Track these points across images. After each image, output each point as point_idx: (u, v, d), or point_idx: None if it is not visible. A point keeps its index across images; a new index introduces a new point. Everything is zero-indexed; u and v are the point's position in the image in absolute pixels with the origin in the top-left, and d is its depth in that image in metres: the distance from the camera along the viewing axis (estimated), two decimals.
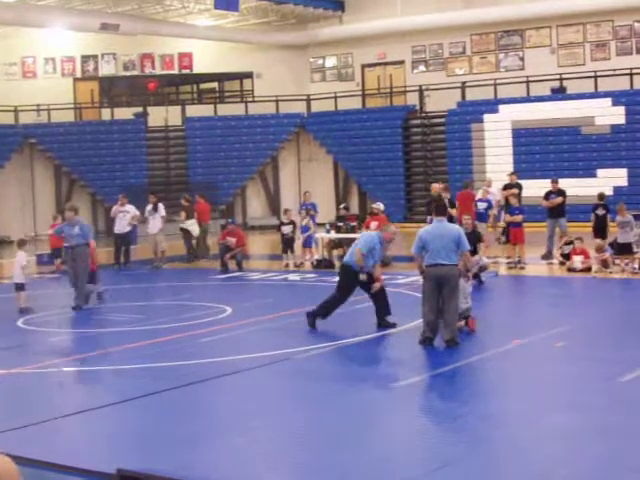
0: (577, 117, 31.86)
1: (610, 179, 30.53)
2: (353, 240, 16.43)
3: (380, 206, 23.31)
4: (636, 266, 19.45)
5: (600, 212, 21.16)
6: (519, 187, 25.45)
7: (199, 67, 39.91)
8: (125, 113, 38.62)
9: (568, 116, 31.97)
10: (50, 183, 36.80)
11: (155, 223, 24.56)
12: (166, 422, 9.22)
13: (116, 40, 37.00)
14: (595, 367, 10.98)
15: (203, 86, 43.56)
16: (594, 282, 18.72)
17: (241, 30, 38.84)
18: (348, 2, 38.56)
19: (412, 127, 36.59)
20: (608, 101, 31.69)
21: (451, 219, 16.66)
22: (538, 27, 35.03)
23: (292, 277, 21.22)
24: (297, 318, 14.83)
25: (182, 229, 25.60)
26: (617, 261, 19.76)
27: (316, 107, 38.47)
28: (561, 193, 22.48)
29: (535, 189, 26.88)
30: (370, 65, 38.75)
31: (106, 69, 39.29)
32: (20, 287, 17.11)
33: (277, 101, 38.32)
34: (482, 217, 23.15)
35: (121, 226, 24.44)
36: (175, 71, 40.14)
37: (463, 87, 35.32)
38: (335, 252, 23.15)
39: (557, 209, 22.25)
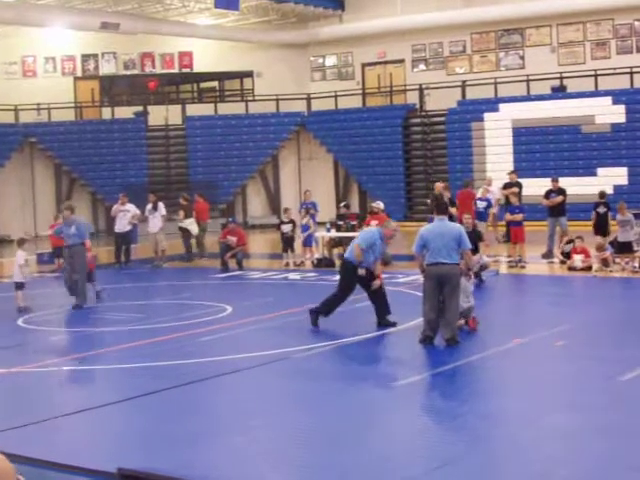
0: (577, 116, 31.85)
1: (610, 178, 30.50)
2: (353, 239, 16.42)
3: (380, 205, 23.30)
4: (636, 265, 19.44)
5: (601, 210, 21.18)
6: (519, 186, 25.46)
7: (199, 66, 39.90)
8: (125, 112, 38.62)
9: (568, 115, 31.97)
10: (50, 182, 36.80)
11: (155, 222, 24.57)
12: (166, 421, 9.21)
13: (116, 39, 36.99)
14: (595, 366, 10.97)
15: (203, 85, 43.54)
16: (594, 281, 18.72)
17: (241, 29, 38.84)
18: (348, 1, 38.54)
19: (412, 126, 36.59)
20: (608, 100, 31.69)
21: (451, 218, 16.65)
22: (538, 26, 35.01)
23: (292, 276, 21.22)
24: (297, 317, 14.83)
25: (181, 228, 25.61)
26: (617, 260, 19.76)
27: (316, 106, 38.47)
28: (561, 192, 22.47)
29: (535, 188, 26.88)
30: (370, 64, 38.74)
31: (106, 68, 39.28)
32: (19, 286, 17.11)
33: (277, 100, 38.32)
34: (482, 216, 23.13)
35: (121, 225, 24.44)
36: (175, 70, 40.13)
37: (463, 86, 35.31)
38: (335, 251, 23.14)
39: (557, 208, 22.24)
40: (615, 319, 14.48)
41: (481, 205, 23.64)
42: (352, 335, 13.32)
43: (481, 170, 32.80)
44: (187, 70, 40.18)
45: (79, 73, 39.04)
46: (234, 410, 9.69)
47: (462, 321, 13.03)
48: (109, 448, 8.54)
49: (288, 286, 19.98)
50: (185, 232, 25.50)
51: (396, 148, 36.04)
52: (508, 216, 21.90)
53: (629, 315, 14.76)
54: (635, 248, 19.88)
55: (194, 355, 12.28)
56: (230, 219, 25.30)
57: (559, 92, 33.14)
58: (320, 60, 39.99)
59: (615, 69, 32.20)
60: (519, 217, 21.29)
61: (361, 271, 13.85)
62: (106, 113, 38.84)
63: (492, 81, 34.35)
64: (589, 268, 19.62)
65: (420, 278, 13.36)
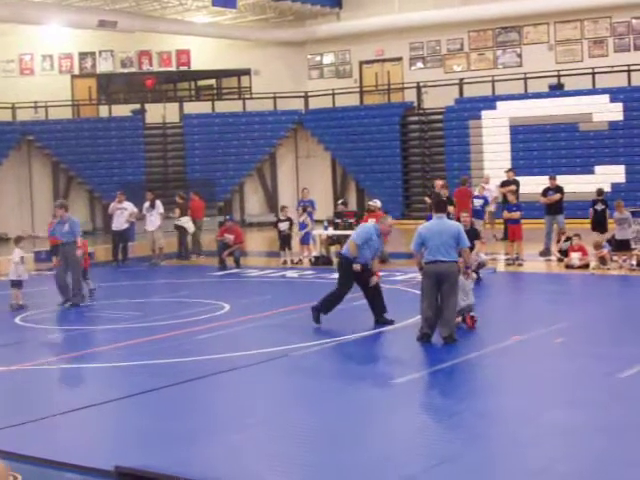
0: (575, 114, 31.87)
1: (608, 176, 30.50)
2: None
3: (377, 203, 23.29)
4: (634, 262, 19.45)
5: (599, 207, 21.22)
6: (517, 184, 25.49)
7: (197, 64, 39.88)
8: (123, 110, 38.58)
9: (566, 113, 31.98)
10: (48, 180, 36.78)
11: (153, 220, 24.55)
12: (164, 419, 9.20)
13: (114, 37, 36.97)
14: (594, 363, 10.97)
15: (201, 83, 43.49)
16: (592, 279, 18.72)
17: (239, 27, 38.82)
18: None
19: (410, 124, 36.60)
20: (606, 98, 31.70)
21: (448, 216, 16.65)
22: (536, 24, 35.02)
23: (290, 274, 21.22)
24: (295, 315, 14.83)
25: (177, 226, 25.61)
26: (615, 258, 19.77)
27: (314, 104, 38.47)
28: (559, 190, 22.49)
29: (533, 186, 26.90)
30: (368, 62, 38.73)
31: (104, 66, 39.26)
32: (15, 284, 17.08)
33: (275, 98, 38.31)
34: (478, 214, 23.13)
35: (119, 223, 24.42)
36: (173, 68, 40.13)
37: (461, 84, 35.31)
38: (333, 249, 23.13)
39: (555, 206, 22.25)
40: (613, 317, 14.50)
41: (477, 203, 23.65)
42: (350, 333, 13.30)
43: (479, 168, 32.81)
44: (184, 68, 40.17)
45: (76, 71, 39.02)
46: (231, 408, 9.68)
47: (459, 319, 13.02)
48: (106, 446, 8.52)
49: (286, 284, 19.98)
50: (181, 230, 25.50)
51: (394, 146, 36.05)
52: (506, 214, 21.91)
53: (627, 313, 14.77)
54: (633, 246, 19.89)
55: (192, 353, 12.27)
56: (228, 217, 25.29)
57: (556, 90, 33.16)
58: (318, 58, 39.99)
59: (612, 67, 32.22)
60: (516, 215, 21.29)
61: (356, 266, 13.82)
62: (103, 111, 38.82)
63: (490, 79, 34.34)
64: (587, 266, 19.64)
65: (418, 276, 13.34)
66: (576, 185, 28.53)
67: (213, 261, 23.24)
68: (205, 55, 39.59)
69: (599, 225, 21.09)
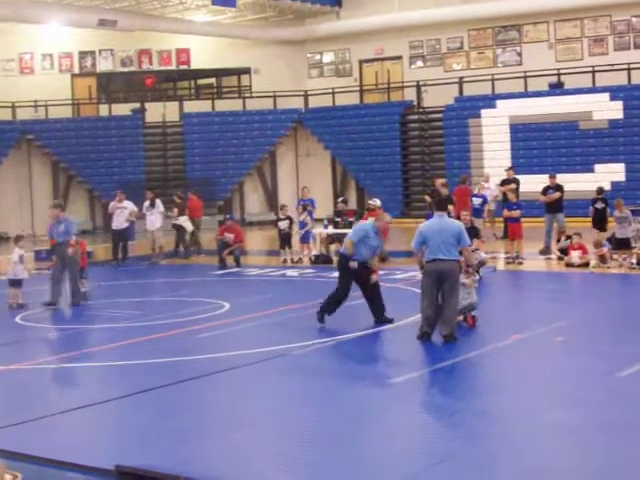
0: (575, 112, 31.85)
1: (608, 174, 30.50)
2: None
3: (377, 202, 23.25)
4: (634, 261, 19.45)
5: (599, 206, 21.21)
6: (517, 182, 25.49)
7: (197, 63, 39.86)
8: (123, 109, 38.54)
9: (566, 111, 31.97)
10: (48, 179, 36.78)
11: (153, 219, 24.55)
12: (164, 418, 9.20)
13: (114, 36, 36.97)
14: (594, 362, 10.97)
15: (201, 82, 43.48)
16: (592, 277, 18.72)
17: (239, 26, 38.80)
18: None
19: (410, 122, 36.59)
20: (606, 96, 31.68)
21: (448, 215, 16.65)
22: (536, 22, 35.01)
23: (290, 273, 21.22)
24: (295, 314, 14.83)
25: (175, 225, 25.61)
26: (615, 256, 19.77)
27: (314, 103, 38.45)
28: (559, 188, 22.48)
29: (533, 184, 26.89)
30: (368, 61, 38.73)
31: (104, 65, 39.24)
32: (13, 283, 17.07)
33: (275, 97, 38.30)
34: (477, 212, 23.12)
35: (119, 222, 24.42)
36: (173, 67, 40.11)
37: (460, 82, 35.29)
38: (333, 247, 23.12)
39: (555, 204, 22.24)
40: (613, 315, 14.50)
41: (476, 201, 23.64)
42: (350, 332, 13.30)
43: (478, 167, 32.80)
44: (184, 67, 40.16)
45: (76, 70, 39.00)
46: (231, 407, 9.68)
47: (460, 317, 13.02)
48: (107, 445, 8.52)
49: (286, 283, 19.98)
50: (179, 229, 25.50)
51: (393, 145, 36.05)
52: (505, 212, 21.90)
53: (627, 311, 14.77)
54: (633, 244, 19.89)
55: (192, 352, 12.27)
56: (227, 216, 25.27)
57: (556, 88, 33.14)
58: (317, 57, 39.99)
59: (613, 65, 32.19)
60: (516, 213, 21.28)
61: (352, 264, 13.79)
62: (103, 110, 38.80)
63: (489, 77, 34.32)
64: (587, 264, 19.64)
65: (418, 274, 13.33)
66: (576, 183, 28.49)
67: (213, 260, 23.22)
68: (205, 54, 39.59)
69: (599, 223, 21.09)
